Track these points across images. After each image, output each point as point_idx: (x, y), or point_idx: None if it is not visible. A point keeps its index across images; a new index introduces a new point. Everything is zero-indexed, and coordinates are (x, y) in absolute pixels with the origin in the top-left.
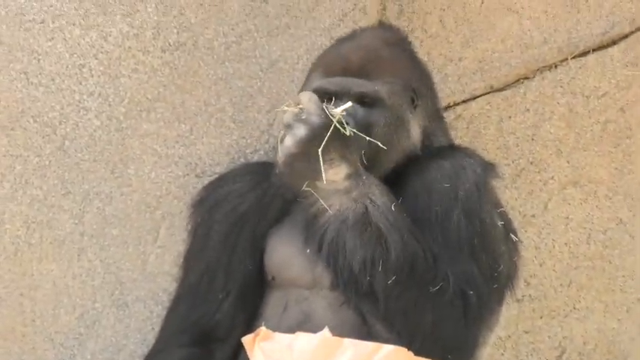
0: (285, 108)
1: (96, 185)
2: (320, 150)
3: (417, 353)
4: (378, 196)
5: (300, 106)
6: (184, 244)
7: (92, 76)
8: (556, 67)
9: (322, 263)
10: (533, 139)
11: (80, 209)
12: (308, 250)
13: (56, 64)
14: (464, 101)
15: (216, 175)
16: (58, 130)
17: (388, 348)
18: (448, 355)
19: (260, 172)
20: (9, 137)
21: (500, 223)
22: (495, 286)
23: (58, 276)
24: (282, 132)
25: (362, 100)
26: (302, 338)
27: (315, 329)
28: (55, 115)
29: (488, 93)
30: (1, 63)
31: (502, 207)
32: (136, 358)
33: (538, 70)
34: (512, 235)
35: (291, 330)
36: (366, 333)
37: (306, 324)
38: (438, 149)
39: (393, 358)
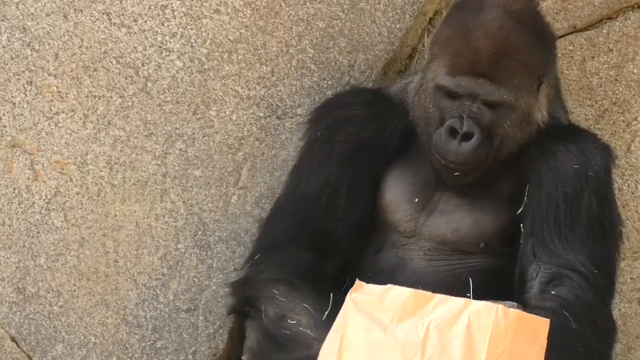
0: None
1: (178, 127)
2: None
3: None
4: None
5: None
6: (265, 185)
7: (174, 17)
8: (639, 7)
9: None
10: (616, 80)
11: (163, 150)
12: (416, 200)
13: (138, 5)
14: None
15: (330, 96)
16: (140, 72)
17: (478, 304)
18: (604, 338)
19: (376, 103)
20: (91, 78)
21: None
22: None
23: (140, 217)
24: None
25: (489, 104)
26: (393, 290)
27: (407, 275)
28: (138, 56)
29: (572, 33)
30: (83, 3)
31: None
32: (218, 298)
33: (621, 10)
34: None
35: (382, 272)
36: (457, 286)
37: (399, 269)
38: (560, 130)
39: (483, 314)
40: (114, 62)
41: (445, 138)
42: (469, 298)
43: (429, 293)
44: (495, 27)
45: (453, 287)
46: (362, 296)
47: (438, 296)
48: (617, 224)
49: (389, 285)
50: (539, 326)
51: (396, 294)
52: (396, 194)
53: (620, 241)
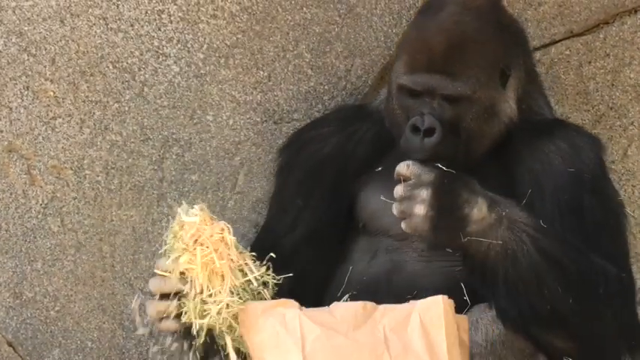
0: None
1: (175, 131)
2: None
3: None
4: (523, 216)
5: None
6: (262, 189)
7: (171, 22)
8: (635, 12)
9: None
10: (613, 85)
11: (159, 155)
12: None
13: (135, 10)
14: (543, 46)
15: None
16: (137, 76)
17: (423, 301)
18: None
19: (350, 116)
20: (88, 83)
21: (619, 197)
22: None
23: (137, 222)
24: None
25: (448, 98)
26: (341, 305)
27: (402, 278)
28: (134, 60)
29: (568, 38)
30: (80, 8)
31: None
32: None
33: (618, 14)
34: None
35: (378, 277)
36: (453, 286)
37: (395, 273)
38: (546, 125)
39: (431, 306)
40: (110, 67)
41: (409, 136)
42: (466, 299)
43: (374, 305)
44: (451, 22)
45: (450, 287)
46: (312, 312)
47: (383, 306)
48: (621, 216)
49: (334, 303)
50: (462, 321)
51: (345, 307)
52: (379, 200)
53: (626, 220)
